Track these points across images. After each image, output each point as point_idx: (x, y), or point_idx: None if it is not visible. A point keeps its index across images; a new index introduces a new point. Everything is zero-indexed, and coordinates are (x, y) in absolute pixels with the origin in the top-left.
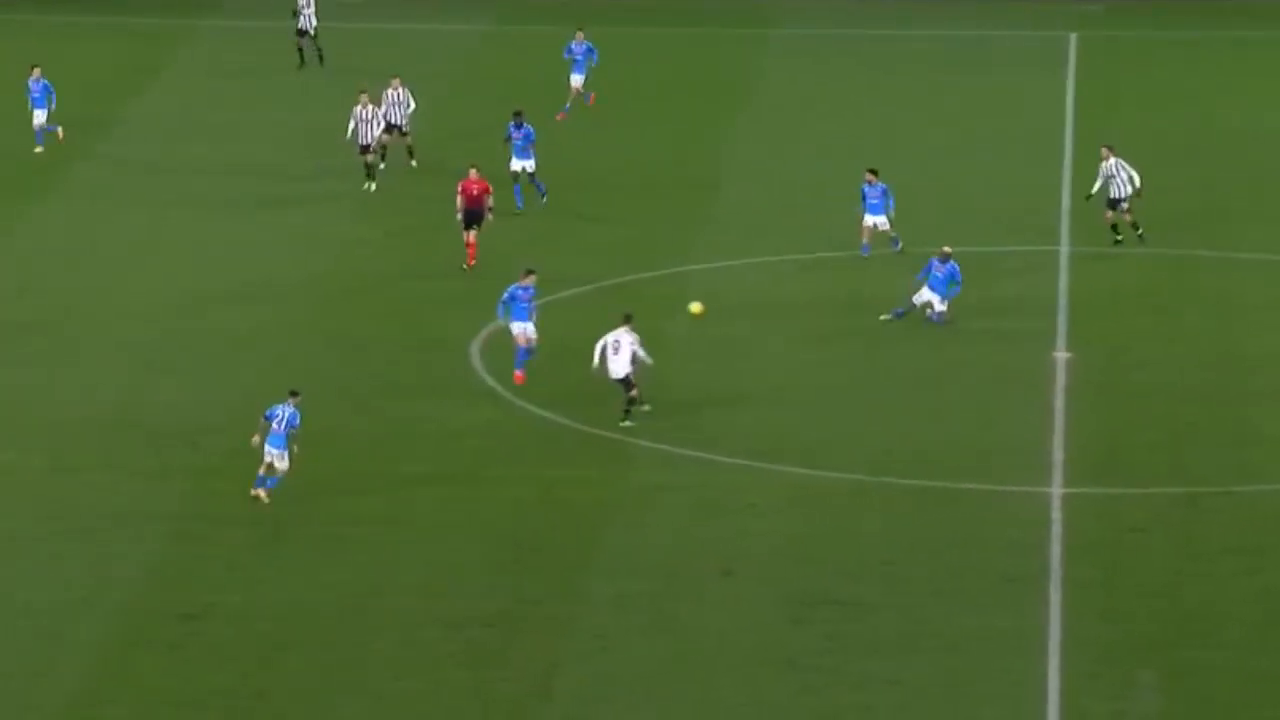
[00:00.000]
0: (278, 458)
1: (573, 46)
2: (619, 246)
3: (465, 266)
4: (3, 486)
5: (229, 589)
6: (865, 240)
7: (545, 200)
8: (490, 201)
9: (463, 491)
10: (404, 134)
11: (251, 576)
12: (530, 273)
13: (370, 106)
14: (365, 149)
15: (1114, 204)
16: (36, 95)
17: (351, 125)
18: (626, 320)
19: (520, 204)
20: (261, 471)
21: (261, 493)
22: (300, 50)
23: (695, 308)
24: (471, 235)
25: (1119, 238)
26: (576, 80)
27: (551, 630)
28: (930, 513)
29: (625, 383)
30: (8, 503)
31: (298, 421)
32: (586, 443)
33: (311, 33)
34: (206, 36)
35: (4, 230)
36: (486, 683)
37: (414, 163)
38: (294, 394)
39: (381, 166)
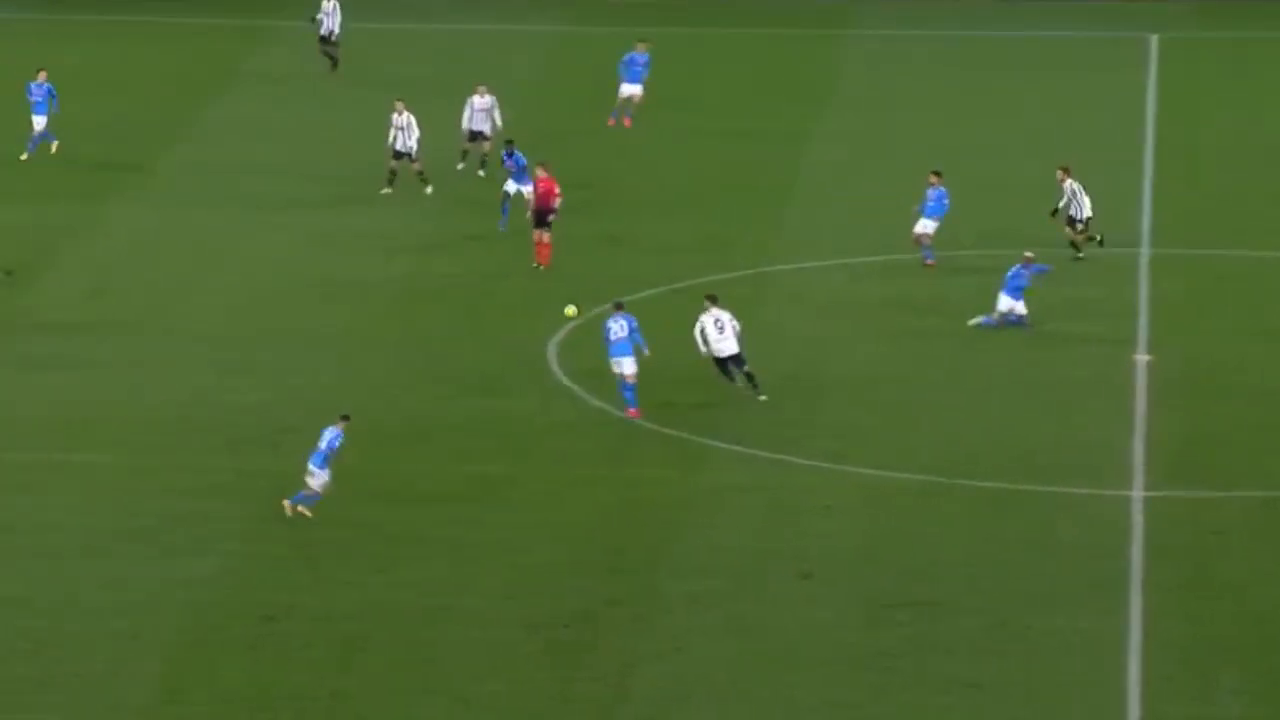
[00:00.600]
0: (311, 475)
1: (635, 57)
2: (696, 247)
3: (538, 267)
4: (81, 487)
5: (307, 589)
6: (925, 245)
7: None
8: (559, 202)
9: (541, 492)
10: (486, 138)
11: (330, 577)
12: (620, 306)
13: (406, 114)
14: (398, 155)
15: (1071, 222)
16: (38, 100)
17: (392, 133)
18: (713, 300)
19: (504, 224)
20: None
21: (287, 505)
22: (329, 56)
23: (570, 310)
24: (543, 235)
25: (1079, 255)
26: (630, 90)
27: (630, 631)
28: (1010, 515)
29: (738, 359)
30: (86, 503)
31: (338, 444)
32: (664, 443)
33: (333, 38)
34: (283, 37)
35: (81, 232)
36: (565, 683)
37: (481, 173)
38: (345, 418)
39: (459, 167)
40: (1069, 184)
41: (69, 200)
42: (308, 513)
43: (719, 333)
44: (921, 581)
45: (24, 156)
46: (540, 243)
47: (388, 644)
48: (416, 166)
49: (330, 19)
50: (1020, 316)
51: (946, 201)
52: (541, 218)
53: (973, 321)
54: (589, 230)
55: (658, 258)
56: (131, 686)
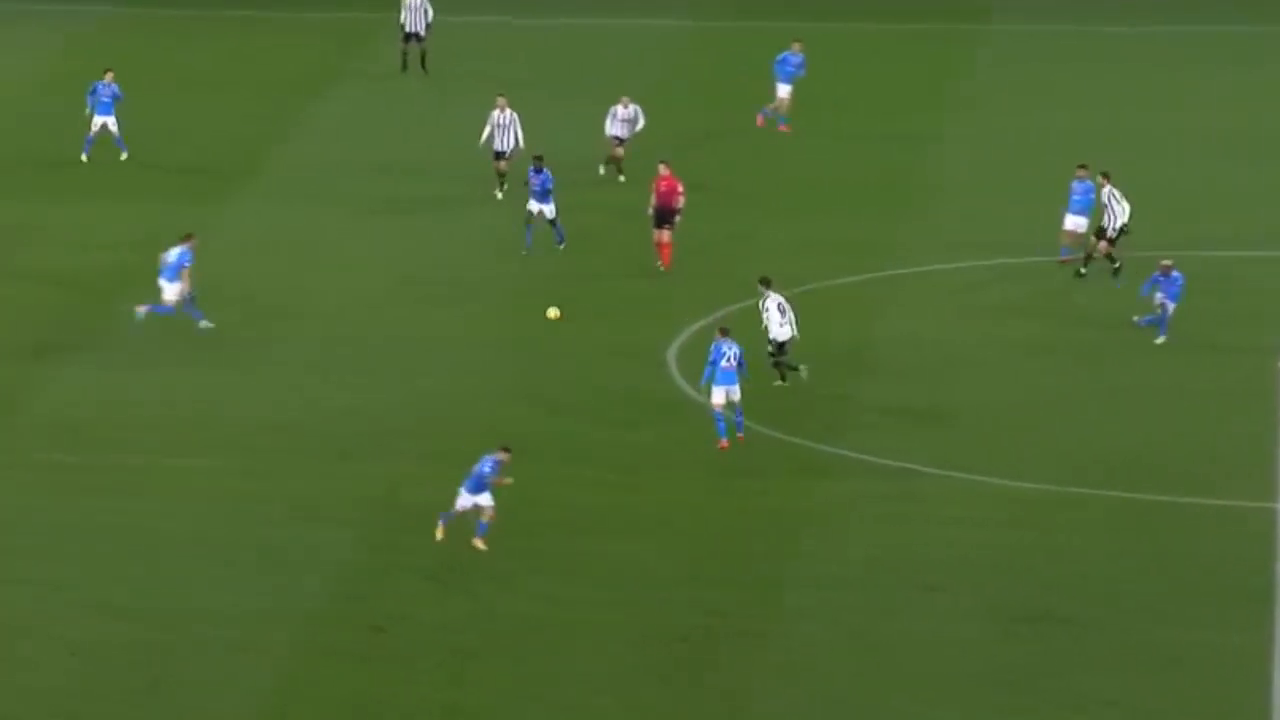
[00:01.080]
0: (464, 499)
1: (788, 57)
2: (825, 249)
3: (659, 267)
4: (192, 492)
5: (419, 600)
6: (1066, 243)
7: (563, 247)
8: (682, 202)
9: (658, 502)
10: (620, 142)
11: (442, 587)
12: (725, 331)
13: (508, 112)
14: (499, 155)
15: (1100, 232)
16: (105, 100)
17: (487, 130)
18: (768, 284)
19: (529, 244)
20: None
21: (440, 529)
22: (404, 55)
23: (552, 313)
24: (664, 235)
25: (1116, 266)
26: (784, 90)
27: (747, 645)
28: (1149, 527)
29: (783, 347)
30: (196, 508)
31: (486, 469)
32: (783, 451)
33: (421, 34)
34: (392, 34)
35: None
36: (681, 700)
37: (622, 178)
38: (505, 450)
39: (601, 171)
40: (1107, 190)
41: (177, 201)
42: (483, 544)
43: (782, 316)
44: (1056, 595)
45: (83, 158)
46: (661, 243)
47: (500, 656)
48: (502, 165)
49: (414, 15)
50: (1159, 318)
51: (1093, 196)
52: (663, 217)
53: (1136, 319)
54: (716, 230)
55: (785, 260)
56: (242, 698)
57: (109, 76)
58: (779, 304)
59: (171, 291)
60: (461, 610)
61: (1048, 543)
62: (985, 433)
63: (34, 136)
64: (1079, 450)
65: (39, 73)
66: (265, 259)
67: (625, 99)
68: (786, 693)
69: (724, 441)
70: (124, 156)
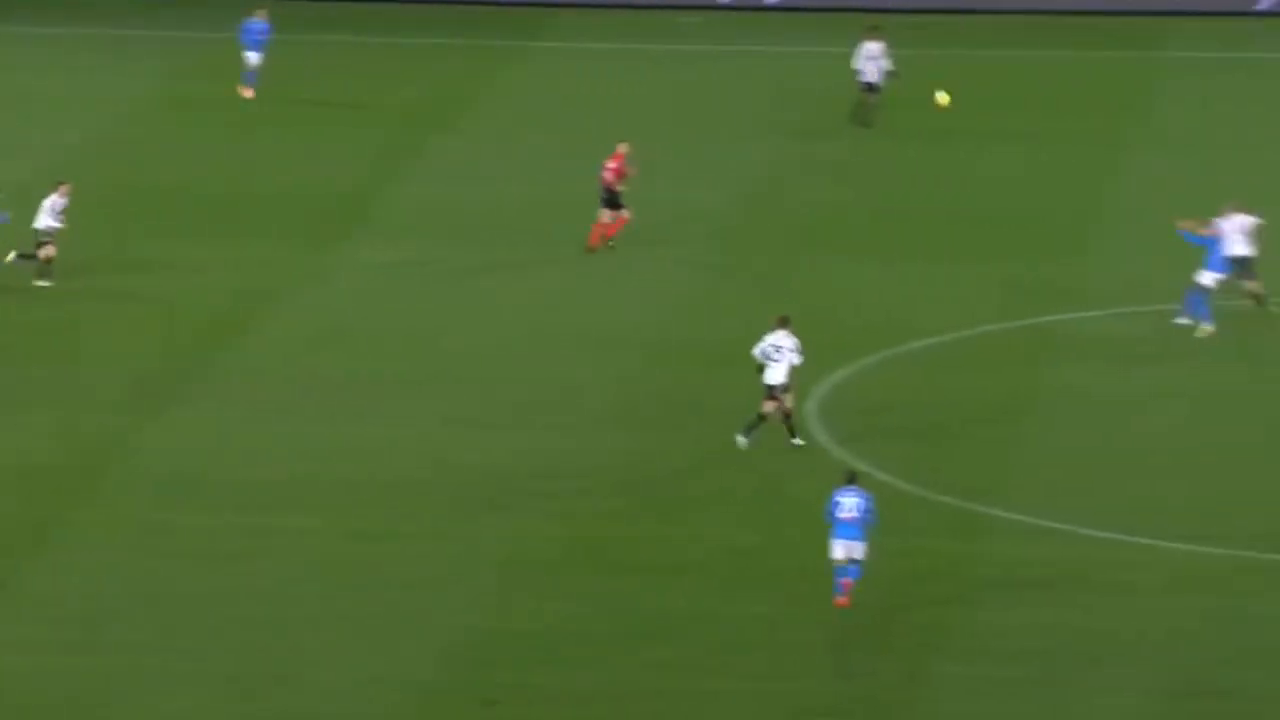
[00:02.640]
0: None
1: (251, 25)
2: (980, 290)
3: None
4: (293, 554)
5: (538, 668)
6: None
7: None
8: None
9: (798, 564)
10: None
11: (566, 656)
12: (853, 480)
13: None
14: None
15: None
16: (255, 38)
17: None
18: (783, 324)
19: None
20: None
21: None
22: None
23: (942, 98)
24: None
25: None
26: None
27: None
28: None
29: (775, 392)
30: (299, 572)
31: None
32: (936, 511)
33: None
34: (542, 58)
35: (305, 274)
36: None
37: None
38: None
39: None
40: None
41: (293, 240)
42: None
43: (775, 360)
44: (1229, 667)
45: (249, 94)
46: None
47: None
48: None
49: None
50: None
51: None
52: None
53: None
54: (864, 272)
55: (938, 302)
56: None
57: (261, 14)
58: (773, 347)
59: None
60: (585, 680)
61: (1221, 612)
62: (1158, 493)
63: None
64: (1260, 512)
65: (159, 98)
66: (385, 302)
67: (872, 31)
68: None
69: (841, 598)
70: (248, 94)
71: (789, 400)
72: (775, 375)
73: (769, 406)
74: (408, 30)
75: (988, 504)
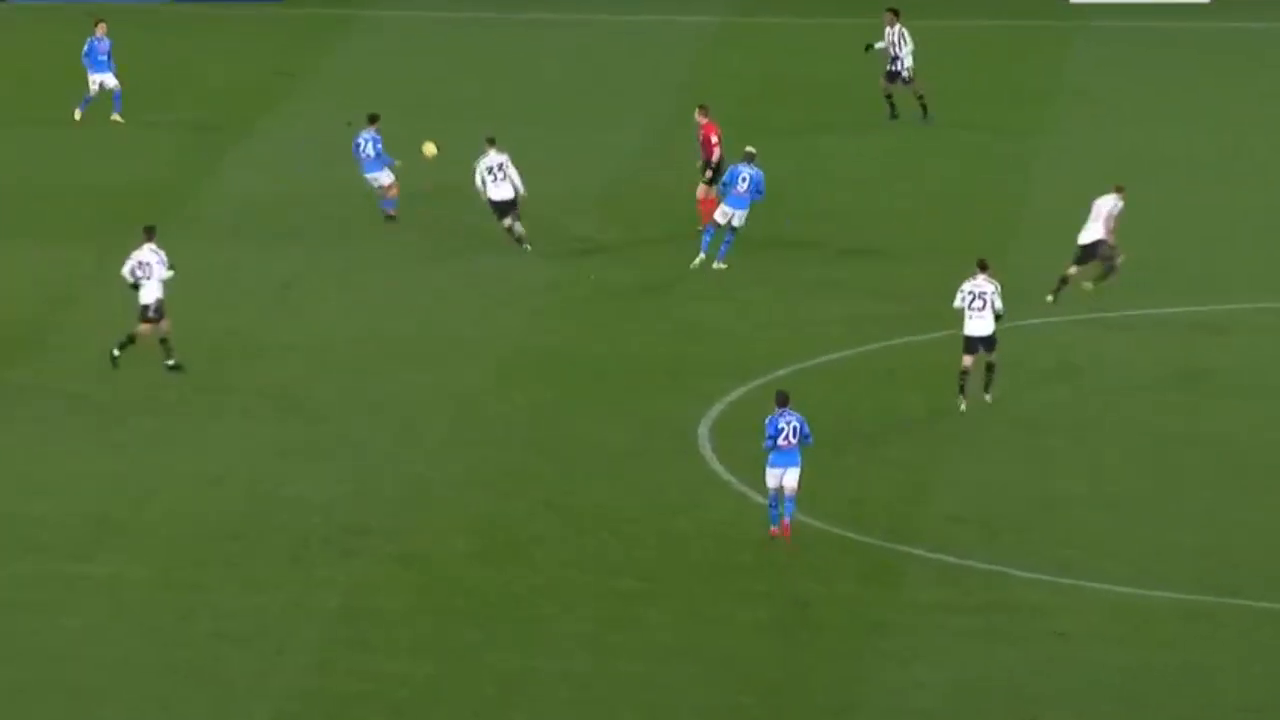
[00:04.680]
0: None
1: (95, 44)
2: (894, 295)
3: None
4: (103, 606)
5: None
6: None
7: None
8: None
9: (687, 612)
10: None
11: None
12: (785, 400)
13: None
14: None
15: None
16: (101, 58)
17: (479, 177)
18: (984, 268)
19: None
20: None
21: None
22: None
23: (429, 149)
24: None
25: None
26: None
27: None
28: None
29: (976, 346)
30: (110, 627)
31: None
32: (847, 551)
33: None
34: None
35: (92, 277)
36: None
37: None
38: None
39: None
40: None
41: (90, 240)
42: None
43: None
44: None
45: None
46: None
47: None
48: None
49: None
50: None
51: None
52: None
53: None
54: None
55: (845, 311)
56: None
57: (101, 29)
58: (977, 291)
59: None
60: None
61: (1170, 664)
62: (1096, 528)
63: None
64: (1211, 548)
65: None
66: (210, 305)
67: (889, 15)
68: None
69: (774, 529)
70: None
71: (994, 358)
72: (980, 327)
73: (967, 361)
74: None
75: (904, 542)
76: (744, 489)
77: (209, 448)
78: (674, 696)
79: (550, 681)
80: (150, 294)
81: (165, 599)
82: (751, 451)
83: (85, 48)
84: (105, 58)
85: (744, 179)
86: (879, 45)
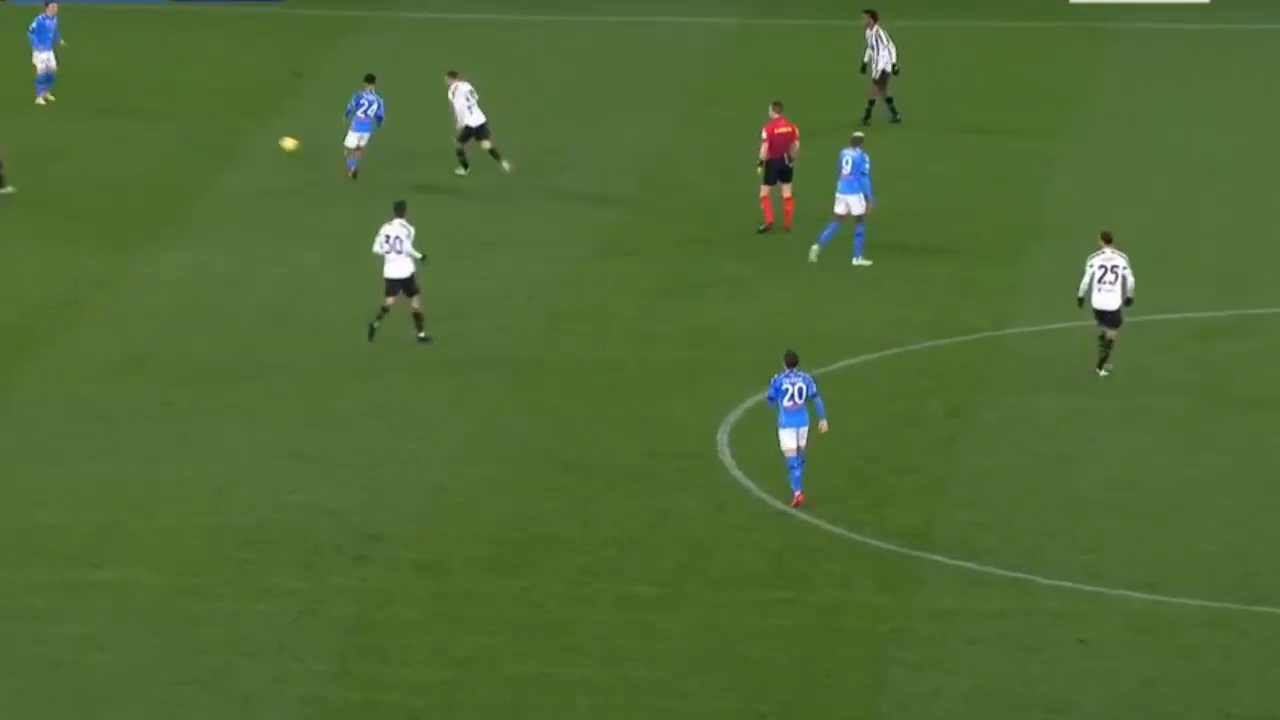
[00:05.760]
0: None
1: (44, 21)
2: (912, 301)
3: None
4: (112, 613)
5: None
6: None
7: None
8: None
9: (704, 620)
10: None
11: None
12: (794, 361)
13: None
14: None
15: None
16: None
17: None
18: (1109, 240)
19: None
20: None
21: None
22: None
23: (288, 143)
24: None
25: None
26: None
27: None
28: None
29: (1106, 320)
30: (119, 633)
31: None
32: (867, 558)
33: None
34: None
35: (103, 281)
36: None
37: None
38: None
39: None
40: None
41: (92, 242)
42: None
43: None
44: None
45: (39, 100)
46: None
47: None
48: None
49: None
50: None
51: None
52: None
53: None
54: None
55: (863, 316)
56: None
57: (52, 9)
58: (1108, 264)
59: None
60: None
61: (1191, 672)
62: (1117, 534)
63: None
64: (1237, 557)
65: None
66: (216, 313)
67: (868, 17)
68: None
69: (799, 494)
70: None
71: (1115, 335)
72: (1108, 301)
73: (1110, 334)
74: None
75: (925, 549)
76: (763, 496)
77: (221, 453)
78: (692, 705)
79: (567, 690)
80: (399, 268)
81: (176, 606)
82: (771, 458)
83: (33, 24)
84: (51, 35)
85: (847, 162)
86: (865, 57)
